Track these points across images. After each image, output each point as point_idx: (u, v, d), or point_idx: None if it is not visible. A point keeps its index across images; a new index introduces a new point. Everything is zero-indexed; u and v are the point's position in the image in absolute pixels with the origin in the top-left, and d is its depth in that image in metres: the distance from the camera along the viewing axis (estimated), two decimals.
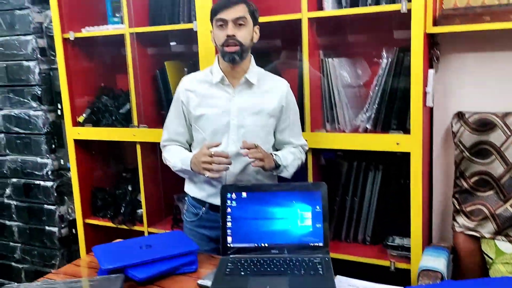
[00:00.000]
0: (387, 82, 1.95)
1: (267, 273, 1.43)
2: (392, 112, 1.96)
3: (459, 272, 1.94)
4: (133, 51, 2.38)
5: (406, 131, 1.90)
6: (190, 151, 1.86)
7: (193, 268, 1.53)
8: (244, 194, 1.58)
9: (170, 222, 2.54)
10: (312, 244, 1.54)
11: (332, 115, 2.08)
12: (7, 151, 2.97)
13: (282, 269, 1.44)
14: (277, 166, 1.73)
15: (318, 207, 1.55)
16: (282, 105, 1.79)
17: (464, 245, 1.94)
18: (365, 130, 2.02)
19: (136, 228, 2.55)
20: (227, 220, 1.57)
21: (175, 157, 1.80)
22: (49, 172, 2.85)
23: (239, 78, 1.75)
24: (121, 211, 2.61)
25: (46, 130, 2.82)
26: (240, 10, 1.66)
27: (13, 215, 3.03)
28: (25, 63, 2.77)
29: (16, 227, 3.05)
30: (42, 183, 2.89)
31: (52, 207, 2.89)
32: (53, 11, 2.47)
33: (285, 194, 1.57)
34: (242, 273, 1.44)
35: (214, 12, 1.69)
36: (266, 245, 1.55)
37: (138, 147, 2.43)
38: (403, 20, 1.82)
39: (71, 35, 2.48)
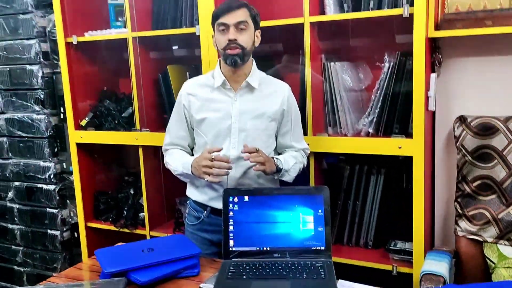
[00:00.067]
0: (389, 86, 1.95)
1: (269, 277, 1.43)
2: (394, 116, 1.96)
3: (461, 276, 1.94)
4: (136, 55, 2.39)
5: (408, 135, 1.90)
6: (192, 155, 1.86)
7: (195, 271, 1.53)
8: (246, 198, 1.58)
9: (172, 226, 2.54)
10: (314, 248, 1.54)
11: (334, 119, 2.08)
12: (10, 155, 2.97)
13: (284, 273, 1.44)
14: (279, 170, 1.73)
15: (320, 211, 1.55)
16: (284, 108, 1.79)
17: (466, 249, 1.94)
18: (367, 134, 2.02)
19: (138, 231, 2.55)
20: (229, 223, 1.57)
21: (177, 161, 1.81)
22: (52, 176, 2.86)
23: (240, 82, 1.75)
24: (123, 215, 2.61)
25: (48, 134, 2.83)
26: (241, 15, 1.66)
27: (16, 219, 3.04)
28: (28, 67, 2.79)
29: (18, 230, 3.05)
30: (44, 186, 2.90)
31: (55, 211, 2.90)
32: (56, 15, 2.49)
33: (287, 198, 1.57)
34: (244, 276, 1.44)
35: (215, 17, 1.70)
36: (268, 248, 1.55)
37: (141, 151, 2.44)
38: (405, 24, 1.83)
39: (74, 39, 2.49)
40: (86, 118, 2.59)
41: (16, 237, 3.06)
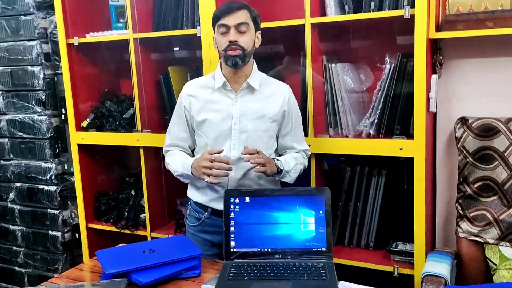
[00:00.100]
0: (390, 88, 1.95)
1: (270, 278, 1.43)
2: (395, 117, 1.96)
3: (462, 277, 1.94)
4: (137, 56, 2.39)
5: (410, 136, 1.90)
6: (193, 156, 1.86)
7: (196, 272, 1.53)
8: (247, 199, 1.58)
9: (173, 227, 2.54)
10: (315, 249, 1.54)
11: (335, 120, 2.08)
12: (11, 156, 2.98)
13: (285, 274, 1.44)
14: (279, 171, 1.73)
15: (321, 212, 1.55)
16: (284, 109, 1.80)
17: (467, 251, 1.94)
18: (368, 135, 2.02)
19: (139, 232, 2.55)
20: (230, 224, 1.57)
21: (177, 162, 1.81)
22: (53, 177, 2.86)
23: (241, 83, 1.76)
24: (124, 216, 2.61)
25: (50, 135, 2.83)
26: (242, 16, 1.67)
27: (17, 220, 3.04)
28: (29, 68, 2.79)
29: (19, 231, 3.05)
30: (45, 187, 2.90)
31: (56, 212, 2.90)
32: (58, 16, 2.49)
33: (289, 199, 1.57)
34: (245, 277, 1.44)
35: (216, 18, 1.70)
36: (269, 250, 1.55)
37: (142, 152, 2.44)
38: (406, 25, 1.83)
39: (76, 41, 2.50)
40: (87, 119, 2.59)
41: (17, 238, 3.07)
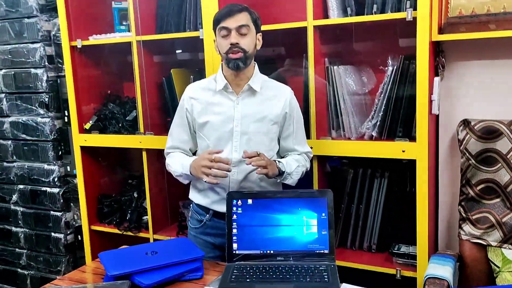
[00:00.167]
0: (393, 90, 1.95)
1: (272, 280, 1.43)
2: (398, 120, 1.96)
3: (465, 280, 1.93)
4: (140, 58, 2.40)
5: (412, 138, 1.90)
6: None
7: (198, 275, 1.53)
8: (250, 201, 1.59)
9: (176, 229, 2.54)
10: (317, 251, 1.54)
11: (338, 123, 2.08)
12: (14, 158, 2.99)
13: (288, 276, 1.44)
14: (281, 173, 1.73)
15: (324, 214, 1.55)
16: (286, 111, 1.80)
17: (470, 253, 1.93)
18: (371, 138, 2.02)
19: (142, 234, 2.55)
20: (233, 226, 1.58)
21: (176, 163, 1.81)
22: (56, 179, 2.87)
23: (242, 86, 1.76)
24: (127, 218, 2.61)
25: (53, 137, 2.84)
26: (242, 18, 1.67)
27: (20, 221, 3.05)
28: (33, 70, 2.80)
29: (22, 233, 3.06)
30: (48, 189, 2.91)
31: (58, 214, 2.91)
32: (61, 19, 2.50)
33: (291, 201, 1.57)
34: (248, 280, 1.44)
35: (217, 21, 1.70)
36: (272, 252, 1.55)
37: (144, 154, 2.45)
38: (409, 28, 1.83)
39: (79, 43, 2.51)
40: (90, 122, 2.60)
41: (20, 240, 3.07)
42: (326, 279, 1.42)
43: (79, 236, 2.93)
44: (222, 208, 1.76)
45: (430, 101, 1.87)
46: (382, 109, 1.98)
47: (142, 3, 2.36)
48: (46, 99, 2.80)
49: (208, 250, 1.83)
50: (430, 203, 1.94)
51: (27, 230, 3.04)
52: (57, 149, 2.86)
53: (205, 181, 1.65)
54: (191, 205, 1.93)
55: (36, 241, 3.01)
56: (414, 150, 1.86)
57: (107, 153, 2.72)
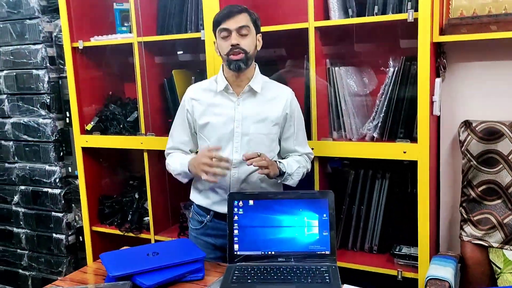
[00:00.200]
0: (394, 91, 1.96)
1: (273, 281, 1.43)
2: (399, 121, 1.96)
3: (467, 281, 1.93)
4: (141, 60, 2.40)
5: (413, 139, 1.90)
6: None
7: (200, 275, 1.53)
8: (251, 202, 1.59)
9: (177, 230, 2.54)
10: (319, 252, 1.54)
11: (339, 124, 2.09)
12: (16, 159, 2.99)
13: (289, 277, 1.44)
14: (281, 174, 1.73)
15: (325, 215, 1.55)
16: (286, 112, 1.80)
17: (471, 254, 1.93)
18: (372, 139, 2.02)
19: (143, 235, 2.56)
20: (234, 227, 1.58)
21: (176, 161, 1.82)
22: (57, 180, 2.87)
23: (243, 87, 1.76)
24: (128, 219, 2.61)
25: (54, 138, 2.85)
26: (242, 19, 1.67)
27: (21, 222, 3.05)
28: (34, 71, 2.81)
29: (23, 234, 3.06)
30: (50, 190, 2.91)
31: (60, 215, 2.91)
32: (63, 20, 2.50)
33: (292, 202, 1.57)
34: (249, 281, 1.44)
35: (217, 23, 1.71)
36: (273, 253, 1.55)
37: (146, 155, 2.45)
38: (410, 29, 1.83)
39: (80, 44, 2.51)
40: (92, 123, 2.60)
41: (21, 241, 3.08)
42: (327, 280, 1.42)
43: (80, 237, 2.93)
44: (222, 209, 1.76)
45: (431, 102, 1.87)
46: (383, 110, 1.98)
47: (143, 4, 2.36)
48: (48, 100, 2.81)
49: (209, 251, 1.83)
50: (432, 204, 1.94)
51: (29, 231, 3.04)
52: (58, 150, 2.87)
53: (204, 179, 1.65)
54: (192, 206, 1.93)
55: (38, 242, 3.01)
56: (415, 151, 1.86)
57: (108, 154, 2.72)
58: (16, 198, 3.04)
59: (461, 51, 2.01)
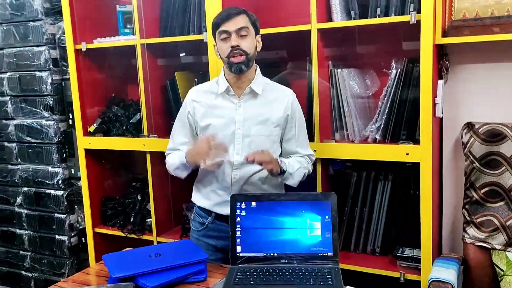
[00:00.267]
0: (396, 93, 1.95)
1: (276, 282, 1.43)
2: (402, 123, 1.96)
3: (469, 283, 1.93)
4: (144, 61, 2.41)
5: (416, 141, 1.90)
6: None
7: (202, 277, 1.53)
8: (253, 204, 1.59)
9: (179, 232, 2.54)
10: (321, 254, 1.54)
11: (341, 125, 2.09)
12: (19, 160, 3.00)
13: (292, 278, 1.44)
14: (282, 172, 1.73)
15: (327, 217, 1.55)
16: (287, 114, 1.80)
17: (474, 257, 1.93)
18: (374, 141, 2.02)
19: (145, 237, 2.56)
20: (237, 229, 1.58)
21: (174, 157, 1.82)
22: (60, 181, 2.88)
23: (244, 88, 1.76)
24: (131, 220, 2.62)
25: (57, 140, 2.85)
26: (241, 21, 1.68)
27: (24, 224, 3.06)
28: (37, 73, 2.82)
29: (26, 235, 3.07)
30: (52, 192, 2.92)
31: (62, 216, 2.92)
32: (66, 22, 2.51)
33: (295, 204, 1.57)
34: (251, 282, 1.44)
35: (216, 25, 1.71)
36: (275, 254, 1.55)
37: (148, 157, 2.45)
38: (412, 31, 1.83)
39: (83, 46, 2.52)
40: (95, 124, 2.61)
41: (24, 242, 3.08)
42: (329, 282, 1.41)
43: (83, 239, 2.93)
44: (223, 210, 1.76)
45: (434, 104, 1.87)
46: (386, 112, 1.98)
47: (146, 6, 2.37)
48: (51, 102, 2.82)
49: (211, 252, 1.82)
50: (434, 206, 1.94)
51: (31, 233, 3.05)
52: (61, 151, 2.87)
53: (202, 168, 1.64)
54: (194, 207, 1.93)
55: (40, 243, 3.02)
56: (418, 153, 1.86)
57: (111, 155, 2.73)
58: (19, 200, 3.05)
59: (464, 53, 2.01)
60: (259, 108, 1.76)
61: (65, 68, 2.80)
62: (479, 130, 1.92)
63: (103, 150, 2.61)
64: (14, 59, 2.87)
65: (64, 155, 2.88)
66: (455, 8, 1.90)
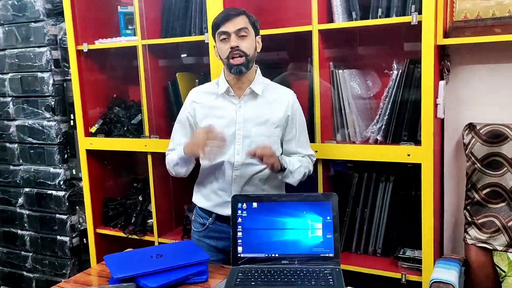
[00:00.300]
0: (398, 94, 1.95)
1: (277, 283, 1.43)
2: (403, 124, 1.96)
3: (471, 284, 1.92)
4: (145, 62, 2.41)
5: (417, 142, 1.90)
6: (196, 164, 1.86)
7: (203, 278, 1.53)
8: (254, 204, 1.59)
9: (181, 232, 2.54)
10: (322, 255, 1.54)
11: (343, 126, 2.09)
12: (20, 161, 3.00)
13: (293, 279, 1.44)
14: (283, 169, 1.73)
15: (328, 218, 1.55)
16: (288, 114, 1.80)
17: (476, 258, 1.93)
18: (376, 142, 2.02)
19: (147, 238, 2.56)
20: (238, 230, 1.58)
21: (174, 155, 1.82)
22: (61, 182, 2.88)
23: (244, 89, 1.77)
24: (132, 221, 2.62)
25: (58, 140, 2.85)
26: (241, 22, 1.68)
27: (25, 224, 3.06)
28: (39, 74, 2.82)
29: (27, 236, 3.07)
30: (54, 192, 2.92)
31: (64, 217, 2.92)
32: (68, 23, 2.52)
33: (296, 205, 1.57)
34: (253, 283, 1.44)
35: (216, 26, 1.71)
36: (277, 255, 1.55)
37: (149, 158, 2.45)
38: (414, 32, 1.83)
39: (85, 47, 2.52)
40: (96, 125, 2.61)
41: (25, 243, 3.09)
42: (331, 283, 1.41)
43: (84, 239, 2.93)
44: (224, 211, 1.77)
45: (435, 105, 1.87)
46: (387, 113, 1.98)
47: (147, 7, 2.38)
48: (52, 103, 2.82)
49: (211, 253, 1.82)
50: (436, 207, 1.94)
51: (33, 233, 3.05)
52: (63, 152, 2.87)
53: (201, 158, 1.64)
54: (195, 208, 1.93)
55: (42, 244, 3.02)
56: (419, 154, 1.86)
57: (112, 156, 2.73)
58: (20, 200, 3.05)
59: (465, 54, 2.01)
60: (259, 109, 1.76)
61: (66, 69, 2.80)
62: (481, 131, 1.91)
63: (104, 151, 2.62)
64: (16, 60, 2.87)
65: (66, 156, 2.88)
66: (457, 9, 1.90)
